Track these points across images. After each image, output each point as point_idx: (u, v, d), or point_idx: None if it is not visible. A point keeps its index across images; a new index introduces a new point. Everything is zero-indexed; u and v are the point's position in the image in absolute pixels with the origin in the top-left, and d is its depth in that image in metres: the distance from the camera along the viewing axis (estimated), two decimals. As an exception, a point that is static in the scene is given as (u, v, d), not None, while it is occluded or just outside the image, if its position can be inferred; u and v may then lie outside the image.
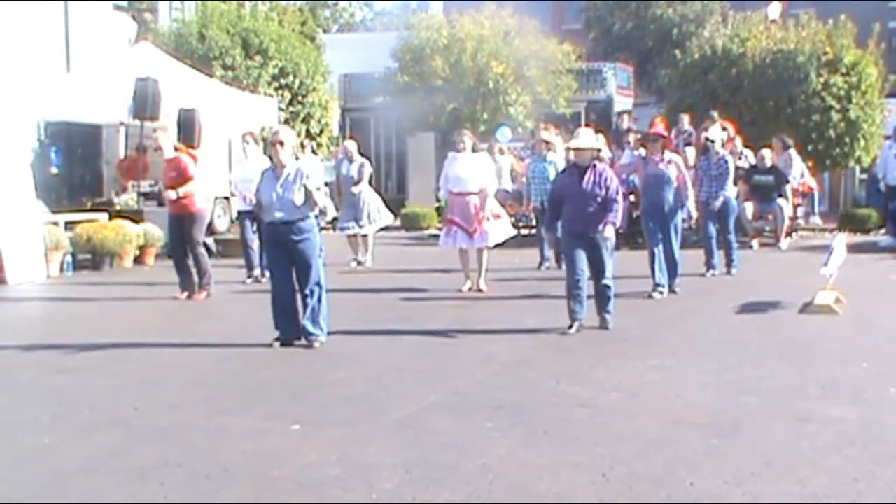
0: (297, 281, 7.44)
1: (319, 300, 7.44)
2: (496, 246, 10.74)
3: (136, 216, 13.83)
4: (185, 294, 10.22)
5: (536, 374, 6.63)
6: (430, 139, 22.53)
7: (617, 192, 7.95)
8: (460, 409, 5.69)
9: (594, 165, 7.98)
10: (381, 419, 5.49)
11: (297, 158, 7.61)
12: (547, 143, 12.66)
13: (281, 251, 7.42)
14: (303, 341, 7.51)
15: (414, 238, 17.46)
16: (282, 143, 7.34)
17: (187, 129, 13.99)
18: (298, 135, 20.47)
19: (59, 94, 13.42)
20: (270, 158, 7.68)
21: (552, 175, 11.91)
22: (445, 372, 6.76)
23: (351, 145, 13.50)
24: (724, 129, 15.15)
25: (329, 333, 7.67)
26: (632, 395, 6.00)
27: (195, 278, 10.22)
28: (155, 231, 13.61)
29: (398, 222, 19.84)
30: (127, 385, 6.48)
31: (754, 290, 10.37)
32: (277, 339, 7.50)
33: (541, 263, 12.36)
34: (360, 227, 13.01)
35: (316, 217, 7.61)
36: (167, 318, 9.40)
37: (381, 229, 13.98)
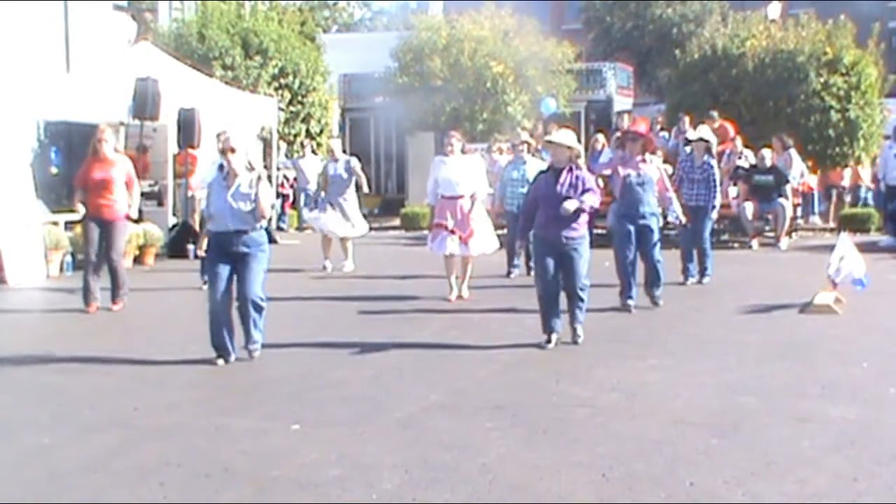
0: (238, 291, 7.04)
1: (260, 312, 7.11)
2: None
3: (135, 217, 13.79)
4: (95, 306, 9.62)
5: (536, 374, 6.63)
6: (430, 139, 22.51)
7: (592, 188, 7.54)
8: (460, 409, 5.70)
9: (570, 168, 7.54)
10: (381, 419, 5.49)
11: (251, 167, 7.22)
12: (527, 144, 12.10)
13: (226, 262, 7.04)
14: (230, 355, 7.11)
15: (413, 238, 17.45)
16: (233, 150, 7.05)
17: (187, 129, 13.97)
18: (297, 135, 20.57)
19: (58, 94, 13.41)
20: (221, 167, 7.41)
21: (531, 177, 11.47)
22: (445, 372, 6.76)
23: (335, 144, 13.24)
24: (716, 129, 15.08)
25: (328, 332, 7.68)
26: (632, 395, 6.00)
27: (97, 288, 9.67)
28: (155, 231, 13.63)
29: (398, 222, 19.85)
30: (127, 385, 6.48)
31: (754, 290, 10.38)
32: (220, 357, 7.05)
33: (509, 272, 11.72)
34: (345, 229, 12.72)
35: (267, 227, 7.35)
36: (167, 318, 9.39)
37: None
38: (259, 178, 7.14)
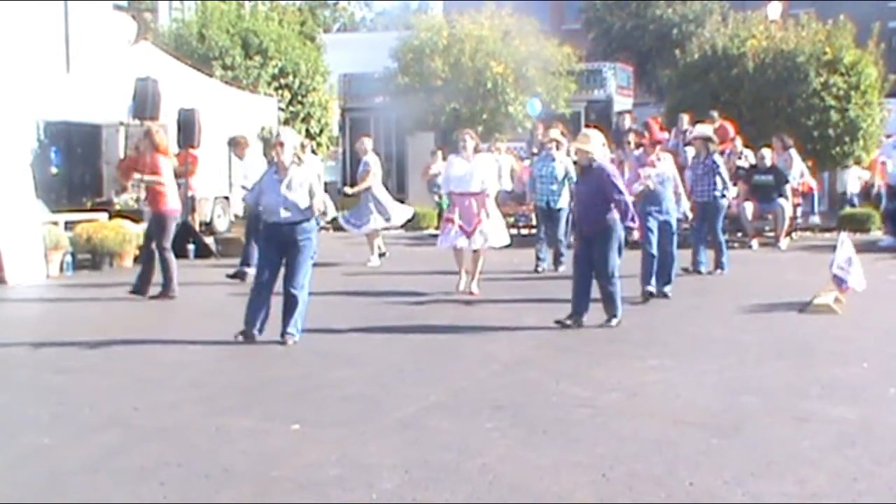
0: (284, 278, 7.53)
1: (301, 300, 7.54)
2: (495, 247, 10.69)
3: (135, 216, 13.82)
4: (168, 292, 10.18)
5: (536, 374, 6.63)
6: (430, 139, 22.54)
7: (620, 191, 8.13)
8: (460, 409, 5.69)
9: (592, 164, 8.14)
10: (381, 419, 5.49)
11: (299, 160, 7.64)
12: (557, 141, 12.49)
13: (277, 251, 7.54)
14: (257, 337, 7.58)
15: (414, 238, 17.45)
16: (282, 145, 7.50)
17: (187, 129, 13.98)
18: (297, 134, 20.58)
19: (58, 94, 13.42)
20: (270, 161, 7.76)
21: (560, 174, 12.04)
22: (445, 372, 6.76)
23: (366, 143, 13.59)
24: (716, 129, 15.13)
25: (328, 331, 7.72)
26: (632, 395, 6.00)
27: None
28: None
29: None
30: (127, 385, 6.48)
31: (754, 290, 10.38)
32: (242, 333, 7.53)
33: (537, 266, 12.18)
34: (368, 224, 13.03)
35: (316, 219, 7.75)
36: (166, 317, 9.39)
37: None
38: (306, 173, 7.59)
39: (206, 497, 4.29)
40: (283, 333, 7.51)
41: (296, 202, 7.42)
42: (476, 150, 10.27)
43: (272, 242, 7.58)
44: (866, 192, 18.95)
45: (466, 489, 4.33)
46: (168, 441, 5.12)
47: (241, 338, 7.52)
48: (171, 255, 10.17)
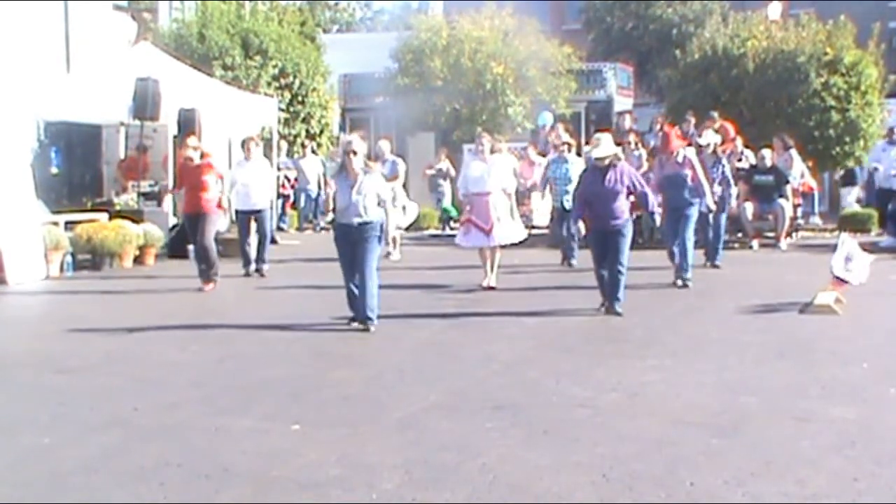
0: (356, 269, 8.18)
1: (372, 287, 8.16)
2: (505, 246, 10.85)
3: (136, 216, 13.83)
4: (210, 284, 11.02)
5: (536, 374, 6.63)
6: (430, 139, 22.51)
7: (643, 185, 8.88)
8: (460, 409, 5.70)
9: (615, 165, 8.70)
10: (381, 419, 5.49)
11: (368, 168, 8.22)
12: (569, 144, 13.04)
13: (349, 249, 8.18)
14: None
15: (414, 238, 17.43)
16: (355, 153, 8.11)
17: (187, 130, 13.98)
18: (297, 135, 20.57)
19: (58, 94, 13.40)
20: (342, 166, 8.25)
21: (574, 176, 12.26)
22: (445, 372, 6.76)
23: (384, 145, 13.67)
24: (718, 131, 15.15)
25: (328, 331, 7.77)
26: (632, 395, 6.00)
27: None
28: (155, 231, 13.61)
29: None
30: (127, 385, 6.48)
31: (754, 290, 10.38)
32: (353, 320, 8.27)
33: (564, 260, 12.69)
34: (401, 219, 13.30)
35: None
36: (166, 317, 9.39)
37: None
38: (375, 180, 8.26)
39: (206, 497, 4.29)
40: (365, 320, 8.11)
41: (366, 206, 8.03)
42: (492, 151, 10.72)
43: (345, 241, 8.20)
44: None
45: (466, 489, 4.33)
46: (168, 441, 5.12)
47: (354, 324, 8.24)
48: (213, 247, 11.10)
